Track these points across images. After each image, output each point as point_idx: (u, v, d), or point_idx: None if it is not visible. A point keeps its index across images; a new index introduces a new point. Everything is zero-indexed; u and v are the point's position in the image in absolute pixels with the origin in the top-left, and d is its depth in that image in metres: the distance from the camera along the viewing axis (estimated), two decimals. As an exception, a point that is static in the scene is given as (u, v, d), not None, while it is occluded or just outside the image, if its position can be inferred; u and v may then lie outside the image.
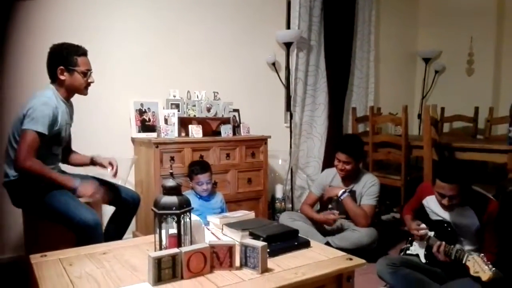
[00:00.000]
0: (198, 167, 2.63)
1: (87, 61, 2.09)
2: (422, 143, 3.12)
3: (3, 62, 2.58)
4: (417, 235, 2.14)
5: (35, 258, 1.48)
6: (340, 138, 3.65)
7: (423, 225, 2.15)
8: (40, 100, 1.93)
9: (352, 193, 2.76)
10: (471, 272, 1.81)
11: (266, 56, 3.62)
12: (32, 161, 1.87)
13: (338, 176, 2.83)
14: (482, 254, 1.85)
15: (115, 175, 2.20)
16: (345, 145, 2.74)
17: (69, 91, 2.09)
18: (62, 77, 2.03)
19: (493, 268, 1.75)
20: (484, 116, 4.12)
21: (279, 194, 3.60)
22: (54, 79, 2.05)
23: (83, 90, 2.11)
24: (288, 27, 3.75)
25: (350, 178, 2.79)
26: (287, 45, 3.60)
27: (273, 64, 3.65)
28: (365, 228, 2.62)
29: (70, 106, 2.17)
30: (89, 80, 2.10)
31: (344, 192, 2.69)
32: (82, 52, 2.07)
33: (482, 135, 4.11)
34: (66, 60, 2.02)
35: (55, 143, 2.06)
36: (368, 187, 2.73)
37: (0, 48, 2.55)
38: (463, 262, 1.86)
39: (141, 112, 2.94)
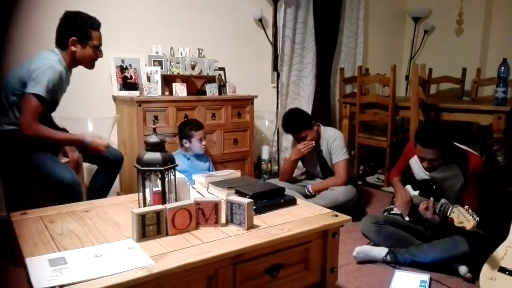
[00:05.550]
0: (195, 123, 2.64)
1: (100, 35, 2.03)
2: (409, 104, 3.11)
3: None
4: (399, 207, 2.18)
5: (15, 216, 1.45)
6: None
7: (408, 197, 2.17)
8: (46, 63, 1.86)
9: (320, 153, 2.76)
10: (456, 223, 1.79)
11: (253, 11, 3.47)
12: (38, 126, 1.84)
13: None
14: (467, 206, 1.86)
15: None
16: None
17: (75, 62, 2.03)
18: (73, 48, 1.97)
19: (477, 218, 1.74)
20: (471, 77, 4.11)
21: (265, 155, 3.59)
22: (62, 46, 1.97)
23: (90, 64, 2.06)
24: (276, -20, 3.59)
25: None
26: (275, 0, 3.46)
27: (260, 20, 3.52)
28: (343, 187, 2.63)
29: (70, 74, 2.10)
30: (98, 55, 2.04)
31: (308, 189, 2.72)
32: (97, 25, 2.00)
33: (469, 96, 4.12)
34: (80, 32, 1.95)
35: (50, 109, 2.01)
36: (331, 143, 2.71)
37: None
38: (448, 214, 1.86)
39: (122, 69, 2.82)
